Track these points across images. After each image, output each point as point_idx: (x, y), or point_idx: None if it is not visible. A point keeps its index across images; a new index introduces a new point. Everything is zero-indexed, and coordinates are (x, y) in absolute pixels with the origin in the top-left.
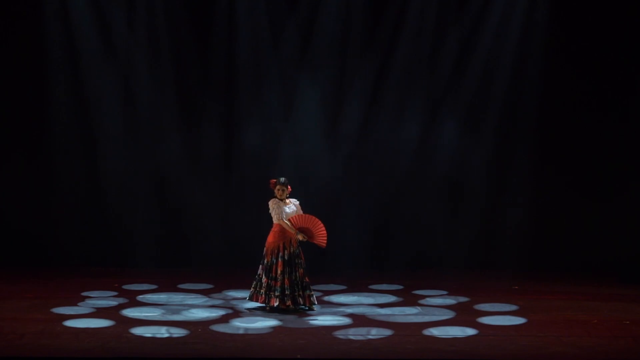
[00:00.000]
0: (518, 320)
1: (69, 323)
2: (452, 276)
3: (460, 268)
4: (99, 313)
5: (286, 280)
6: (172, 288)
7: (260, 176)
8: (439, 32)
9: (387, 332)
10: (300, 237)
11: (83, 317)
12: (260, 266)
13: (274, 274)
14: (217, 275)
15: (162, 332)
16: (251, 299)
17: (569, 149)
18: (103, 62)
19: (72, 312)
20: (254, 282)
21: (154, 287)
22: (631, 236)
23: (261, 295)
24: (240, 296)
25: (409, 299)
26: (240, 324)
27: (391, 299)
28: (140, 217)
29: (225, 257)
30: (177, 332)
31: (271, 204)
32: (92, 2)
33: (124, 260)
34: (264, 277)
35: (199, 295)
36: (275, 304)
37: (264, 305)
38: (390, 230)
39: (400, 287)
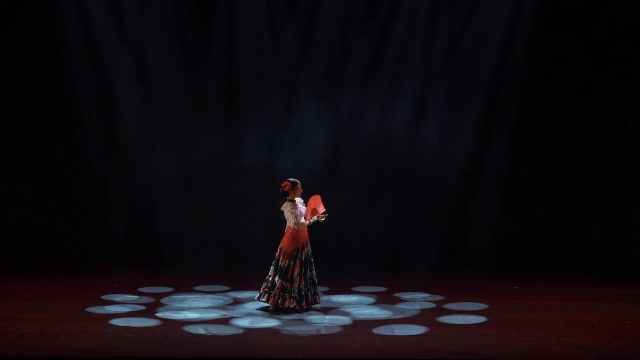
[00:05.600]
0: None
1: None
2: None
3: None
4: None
5: (302, 280)
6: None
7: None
8: (431, 33)
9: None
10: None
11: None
12: (272, 267)
13: (290, 276)
14: (223, 275)
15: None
16: (259, 298)
17: (568, 147)
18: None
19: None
20: (264, 283)
21: (170, 289)
22: (631, 236)
23: (273, 296)
24: (241, 297)
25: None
26: (241, 324)
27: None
28: (139, 217)
29: (227, 258)
30: (180, 332)
31: (286, 207)
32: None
33: (123, 260)
34: (277, 278)
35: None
36: (292, 305)
37: (268, 305)
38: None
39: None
